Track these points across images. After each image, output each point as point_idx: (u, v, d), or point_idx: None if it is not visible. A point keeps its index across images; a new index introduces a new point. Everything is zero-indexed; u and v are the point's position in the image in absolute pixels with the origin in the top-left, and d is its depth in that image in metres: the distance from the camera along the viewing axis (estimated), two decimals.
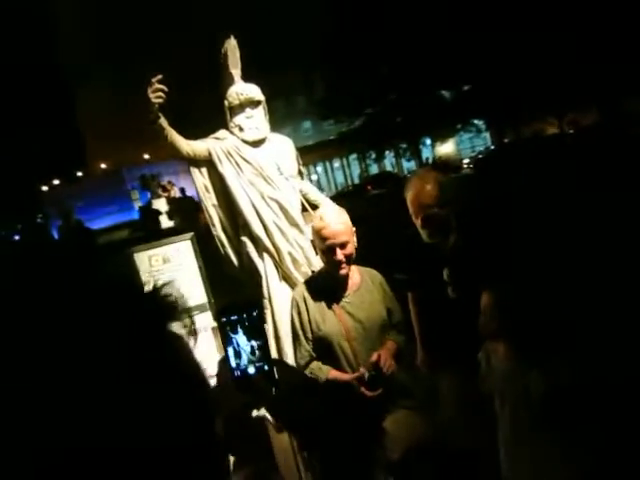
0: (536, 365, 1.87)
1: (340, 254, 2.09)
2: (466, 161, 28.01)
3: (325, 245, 2.12)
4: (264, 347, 1.28)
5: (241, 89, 3.04)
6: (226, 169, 2.98)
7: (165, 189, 15.58)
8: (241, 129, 3.05)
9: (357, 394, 2.04)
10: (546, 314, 1.96)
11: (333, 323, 2.14)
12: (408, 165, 32.15)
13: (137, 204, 20.18)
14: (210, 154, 2.98)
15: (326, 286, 2.22)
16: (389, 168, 33.48)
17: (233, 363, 1.29)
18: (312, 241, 2.31)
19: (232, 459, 2.96)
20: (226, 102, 3.08)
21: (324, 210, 2.23)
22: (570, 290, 2.18)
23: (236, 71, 3.16)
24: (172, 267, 2.83)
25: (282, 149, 3.20)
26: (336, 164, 37.16)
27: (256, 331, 1.28)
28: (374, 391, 2.03)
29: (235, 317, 1.26)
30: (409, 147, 26.87)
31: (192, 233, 2.93)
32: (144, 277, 2.74)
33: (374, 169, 33.91)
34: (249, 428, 3.33)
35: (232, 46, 3.11)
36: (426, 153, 29.73)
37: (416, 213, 2.32)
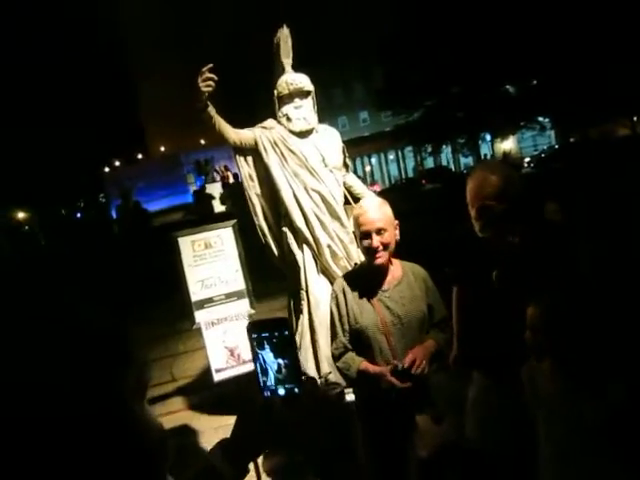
0: (589, 388, 1.77)
1: (376, 240, 2.07)
2: (527, 160, 26.96)
3: (361, 231, 2.11)
4: (293, 366, 1.23)
5: (291, 79, 3.04)
6: (271, 159, 3.00)
7: (221, 173, 15.90)
8: (289, 119, 3.05)
9: (386, 384, 2.01)
10: (601, 332, 1.84)
11: (371, 316, 2.13)
12: (465, 161, 31.35)
13: (192, 188, 20.78)
14: (256, 143, 3.01)
15: (366, 279, 2.20)
16: (445, 163, 32.79)
17: (260, 381, 1.26)
18: (354, 232, 2.29)
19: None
20: (275, 91, 3.10)
21: (365, 199, 2.23)
22: (629, 308, 2.06)
23: (287, 60, 3.16)
24: (213, 253, 2.89)
25: (328, 141, 3.19)
26: (391, 156, 36.75)
27: (285, 349, 1.24)
28: (403, 383, 1.99)
29: (265, 334, 1.22)
30: (467, 142, 26.12)
31: (235, 220, 2.98)
32: (188, 260, 2.81)
33: (429, 163, 33.31)
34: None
35: (284, 35, 3.11)
36: (484, 149, 28.86)
37: (472, 202, 2.22)
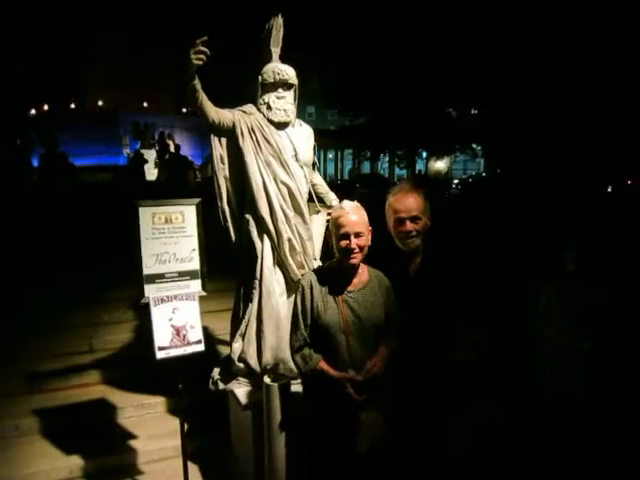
0: None
1: (354, 242, 2.17)
2: (456, 181, 28.49)
3: (341, 232, 2.20)
4: None
5: (278, 68, 3.03)
6: (246, 144, 2.97)
7: (165, 141, 15.29)
8: (269, 107, 3.04)
9: (342, 392, 2.11)
10: None
11: (334, 314, 2.21)
12: (400, 173, 32.35)
13: (126, 150, 19.78)
14: (234, 126, 2.97)
15: (335, 278, 2.29)
16: (380, 172, 33.64)
17: None
18: (329, 232, 2.35)
19: (186, 427, 2.99)
20: (260, 78, 3.07)
21: (345, 202, 2.29)
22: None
23: (276, 49, 3.14)
24: (173, 229, 2.81)
25: (303, 136, 3.21)
26: (330, 155, 37.10)
27: None
28: (360, 396, 2.11)
29: None
30: (406, 155, 27.01)
31: (199, 199, 2.91)
32: (146, 232, 2.72)
33: (366, 168, 34.02)
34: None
35: (278, 24, 3.09)
36: (420, 165, 29.98)
37: (390, 216, 2.48)
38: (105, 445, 3.59)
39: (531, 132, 17.30)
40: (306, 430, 2.37)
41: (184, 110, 26.34)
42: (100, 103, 26.02)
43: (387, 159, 31.85)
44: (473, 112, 23.90)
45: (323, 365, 2.20)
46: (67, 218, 8.01)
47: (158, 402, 4.00)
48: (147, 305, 2.74)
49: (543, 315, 3.48)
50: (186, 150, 17.48)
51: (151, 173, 14.82)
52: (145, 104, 25.98)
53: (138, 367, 4.38)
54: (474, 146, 26.70)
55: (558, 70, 15.61)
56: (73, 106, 24.19)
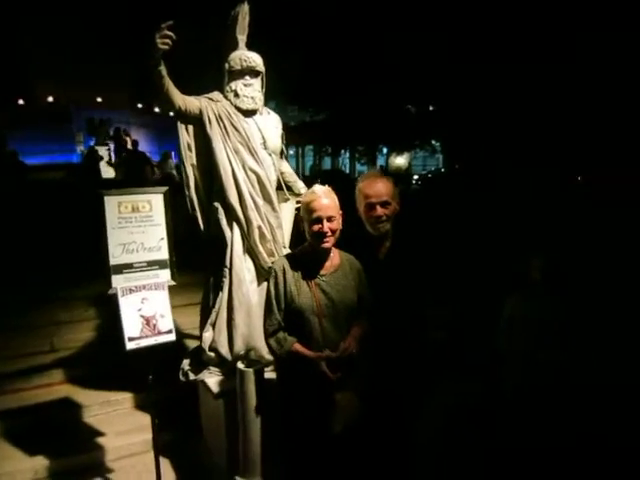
0: None
1: (326, 226, 2.20)
2: (416, 177, 28.95)
3: (313, 217, 2.21)
4: None
5: (245, 55, 3.01)
6: (214, 131, 2.95)
7: (121, 138, 14.85)
8: (237, 95, 3.02)
9: (317, 372, 2.13)
10: None
11: (307, 297, 2.23)
12: (361, 168, 32.61)
13: (80, 147, 19.11)
14: (201, 113, 2.93)
15: (307, 262, 2.30)
16: (342, 167, 33.82)
17: None
18: (300, 216, 2.36)
19: (156, 421, 2.95)
20: (227, 65, 3.05)
21: (317, 186, 2.30)
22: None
23: (242, 37, 3.12)
24: (140, 218, 2.74)
25: (271, 125, 3.21)
26: (291, 151, 37.03)
27: None
28: (334, 374, 2.14)
29: None
30: (366, 151, 27.23)
31: (167, 188, 2.87)
32: (112, 221, 2.65)
33: (327, 164, 34.14)
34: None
35: (244, 12, 3.07)
36: (381, 161, 30.31)
37: (361, 201, 2.53)
38: (71, 444, 3.49)
39: (487, 128, 17.77)
40: (281, 414, 2.38)
41: (140, 106, 25.66)
42: (50, 99, 24.97)
43: (348, 155, 32.05)
44: (431, 109, 24.31)
45: (298, 347, 2.21)
46: (19, 218, 7.71)
47: (125, 398, 3.92)
48: (114, 296, 2.68)
49: (506, 325, 3.24)
50: (143, 146, 17.03)
51: (105, 171, 14.38)
52: (99, 99, 25.12)
53: (102, 365, 4.29)
54: (433, 142, 27.18)
55: (512, 67, 16.05)
56: (22, 102, 23.10)
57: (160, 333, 2.75)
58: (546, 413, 2.64)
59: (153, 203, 2.81)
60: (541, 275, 3.11)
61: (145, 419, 3.56)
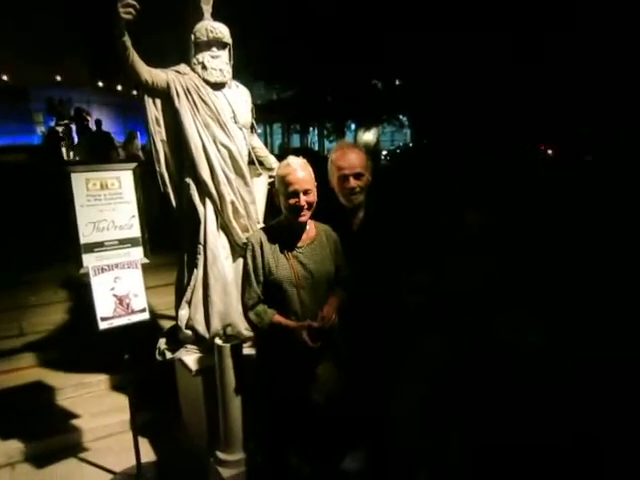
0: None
1: (303, 200, 2.18)
2: (384, 152, 29.01)
3: (289, 190, 2.18)
4: None
5: (211, 26, 2.92)
6: (182, 105, 2.87)
7: (83, 117, 14.34)
8: (204, 67, 2.94)
9: (298, 341, 2.15)
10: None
11: (285, 269, 2.23)
12: (329, 146, 32.49)
13: (40, 128, 18.38)
14: (169, 86, 2.85)
15: (283, 234, 2.29)
16: (310, 145, 33.62)
17: None
18: (274, 190, 2.33)
19: (134, 402, 2.93)
20: (192, 36, 2.95)
21: (291, 158, 2.27)
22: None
23: (207, 7, 3.03)
24: (109, 195, 2.67)
25: (241, 98, 3.14)
26: (259, 130, 36.47)
27: None
28: (315, 343, 2.15)
29: None
30: (335, 128, 27.12)
31: (135, 164, 2.80)
32: (80, 199, 2.58)
33: (296, 142, 33.88)
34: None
35: None
36: (349, 137, 30.21)
37: (334, 173, 2.54)
38: (44, 427, 3.43)
39: (453, 101, 17.88)
40: (261, 388, 2.40)
41: (101, 84, 24.78)
42: (5, 78, 23.83)
43: (317, 132, 31.86)
44: (398, 83, 24.29)
45: (279, 318, 2.22)
46: None
47: (100, 380, 3.88)
48: (86, 276, 2.63)
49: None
50: (107, 126, 16.53)
51: (66, 153, 13.90)
52: (58, 78, 24.08)
53: (75, 348, 4.22)
54: (400, 117, 27.23)
55: (470, 36, 16.08)
56: None
57: (133, 312, 2.72)
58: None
59: (122, 180, 2.74)
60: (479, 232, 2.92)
61: (121, 400, 3.55)
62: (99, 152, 11.67)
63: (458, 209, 2.65)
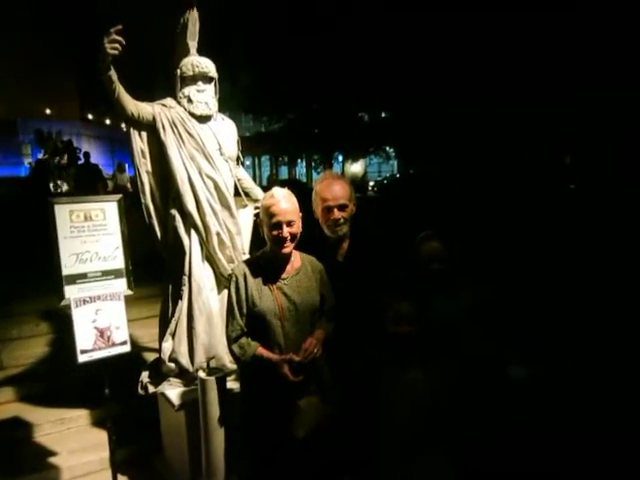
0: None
1: (286, 231, 2.18)
2: (371, 184, 29.37)
3: (272, 221, 2.19)
4: None
5: (197, 61, 3.00)
6: (168, 137, 2.91)
7: (73, 150, 14.40)
8: (190, 101, 3.00)
9: (280, 375, 2.12)
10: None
11: (269, 301, 2.21)
12: (317, 177, 32.84)
13: (28, 160, 18.37)
14: (154, 119, 2.89)
15: (267, 266, 2.29)
16: (298, 177, 33.94)
17: None
18: (258, 221, 2.34)
19: (114, 438, 2.86)
20: (178, 71, 3.02)
21: (275, 189, 2.29)
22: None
23: (193, 43, 3.11)
24: (93, 226, 2.67)
25: (226, 131, 3.19)
26: (247, 162, 36.87)
27: None
28: (296, 376, 2.13)
29: None
30: (322, 159, 27.47)
31: (120, 195, 2.80)
32: (63, 231, 2.57)
33: (284, 174, 34.19)
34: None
35: (193, 18, 3.05)
36: (337, 168, 30.60)
37: (318, 204, 2.56)
38: (20, 465, 3.32)
39: (439, 133, 18.21)
40: (244, 421, 2.36)
41: (91, 117, 24.97)
42: None
43: (304, 164, 32.21)
44: (383, 115, 24.81)
45: (262, 351, 2.19)
46: None
47: (80, 415, 3.77)
48: (67, 308, 2.60)
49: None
50: (95, 158, 16.61)
51: (54, 184, 13.88)
52: (48, 111, 24.24)
53: (54, 382, 4.12)
54: (387, 149, 27.69)
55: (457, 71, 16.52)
56: None
57: (114, 345, 2.68)
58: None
59: (107, 211, 2.74)
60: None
61: (101, 436, 3.44)
62: (87, 184, 11.69)
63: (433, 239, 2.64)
